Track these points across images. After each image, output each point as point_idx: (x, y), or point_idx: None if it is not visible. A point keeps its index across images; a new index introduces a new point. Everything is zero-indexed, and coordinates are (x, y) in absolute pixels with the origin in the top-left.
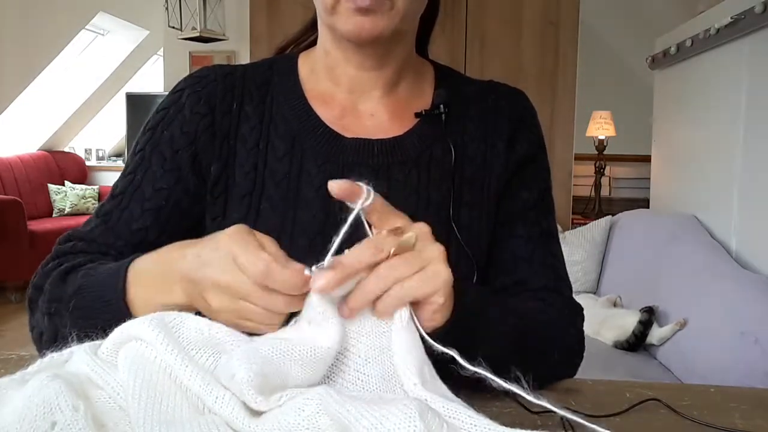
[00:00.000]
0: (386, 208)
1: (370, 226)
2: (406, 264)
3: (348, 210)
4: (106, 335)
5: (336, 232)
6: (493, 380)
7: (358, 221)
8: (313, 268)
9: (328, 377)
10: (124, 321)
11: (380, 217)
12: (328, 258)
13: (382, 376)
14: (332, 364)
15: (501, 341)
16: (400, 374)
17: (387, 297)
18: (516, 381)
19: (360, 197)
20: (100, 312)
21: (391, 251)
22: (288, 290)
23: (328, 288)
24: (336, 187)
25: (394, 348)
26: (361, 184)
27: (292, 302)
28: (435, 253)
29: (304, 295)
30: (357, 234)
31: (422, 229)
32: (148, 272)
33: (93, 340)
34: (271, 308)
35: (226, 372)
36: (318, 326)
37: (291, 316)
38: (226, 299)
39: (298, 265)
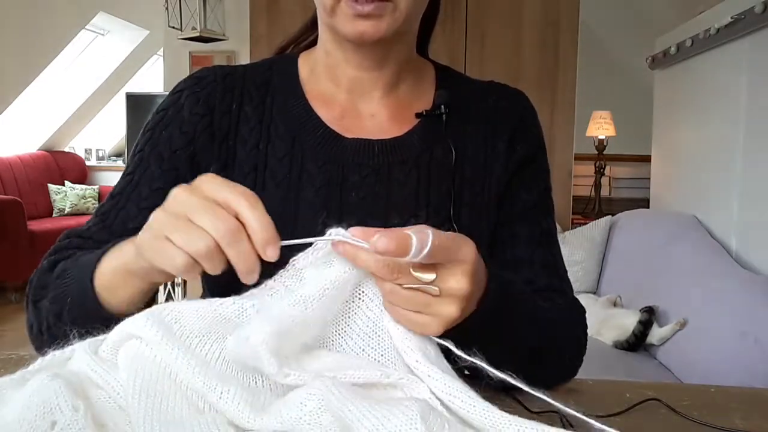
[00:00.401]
0: (442, 249)
1: None
2: (408, 301)
3: None
4: (82, 320)
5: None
6: (489, 371)
7: None
8: (333, 231)
9: (347, 326)
10: (95, 306)
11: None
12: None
13: (388, 347)
14: (352, 315)
15: (518, 343)
16: (401, 353)
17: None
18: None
19: (409, 252)
20: (77, 299)
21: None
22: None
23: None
24: (382, 246)
25: (391, 328)
26: (411, 234)
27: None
28: (444, 312)
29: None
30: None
31: (458, 287)
32: (113, 257)
33: (71, 324)
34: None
35: (240, 337)
36: (321, 268)
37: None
38: (163, 214)
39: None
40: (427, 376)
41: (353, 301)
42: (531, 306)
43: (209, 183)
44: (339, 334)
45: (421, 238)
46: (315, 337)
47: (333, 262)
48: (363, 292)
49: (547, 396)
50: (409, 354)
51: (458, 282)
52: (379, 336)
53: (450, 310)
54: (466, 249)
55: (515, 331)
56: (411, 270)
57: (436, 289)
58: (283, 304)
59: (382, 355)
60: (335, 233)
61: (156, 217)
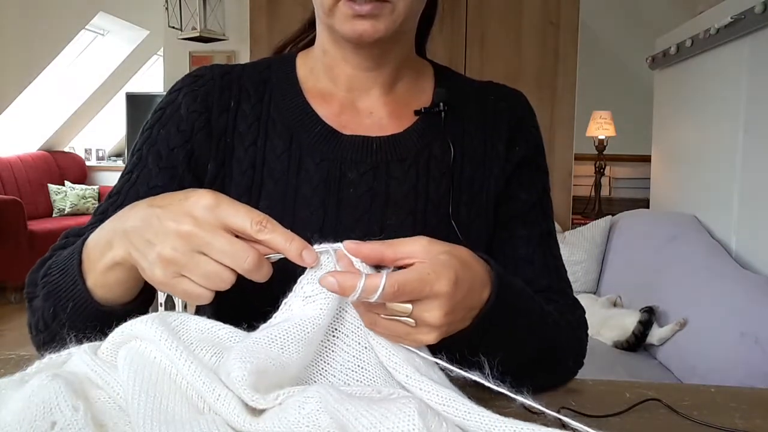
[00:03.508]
0: (406, 292)
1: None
2: (387, 329)
3: None
4: (72, 313)
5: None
6: (451, 370)
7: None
8: (317, 246)
9: (327, 364)
10: (84, 295)
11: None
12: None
13: (380, 362)
14: (331, 353)
15: (520, 347)
16: (390, 371)
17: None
18: (478, 368)
19: (352, 294)
20: (65, 286)
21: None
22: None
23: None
24: (326, 285)
25: (376, 347)
26: (362, 275)
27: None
28: (422, 339)
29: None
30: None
31: (432, 320)
32: (98, 235)
33: (63, 320)
34: (230, 252)
35: (223, 370)
36: (313, 302)
37: (278, 299)
38: (179, 244)
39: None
40: (419, 390)
41: (329, 340)
42: (534, 311)
43: (215, 210)
44: (320, 374)
45: (370, 282)
46: (293, 378)
47: (315, 299)
48: (338, 329)
49: (532, 401)
50: (398, 371)
51: (432, 316)
52: (363, 369)
53: (428, 338)
54: (441, 282)
55: (517, 336)
56: (386, 303)
57: (412, 321)
58: (261, 342)
59: (369, 386)
60: (323, 247)
61: (164, 252)
